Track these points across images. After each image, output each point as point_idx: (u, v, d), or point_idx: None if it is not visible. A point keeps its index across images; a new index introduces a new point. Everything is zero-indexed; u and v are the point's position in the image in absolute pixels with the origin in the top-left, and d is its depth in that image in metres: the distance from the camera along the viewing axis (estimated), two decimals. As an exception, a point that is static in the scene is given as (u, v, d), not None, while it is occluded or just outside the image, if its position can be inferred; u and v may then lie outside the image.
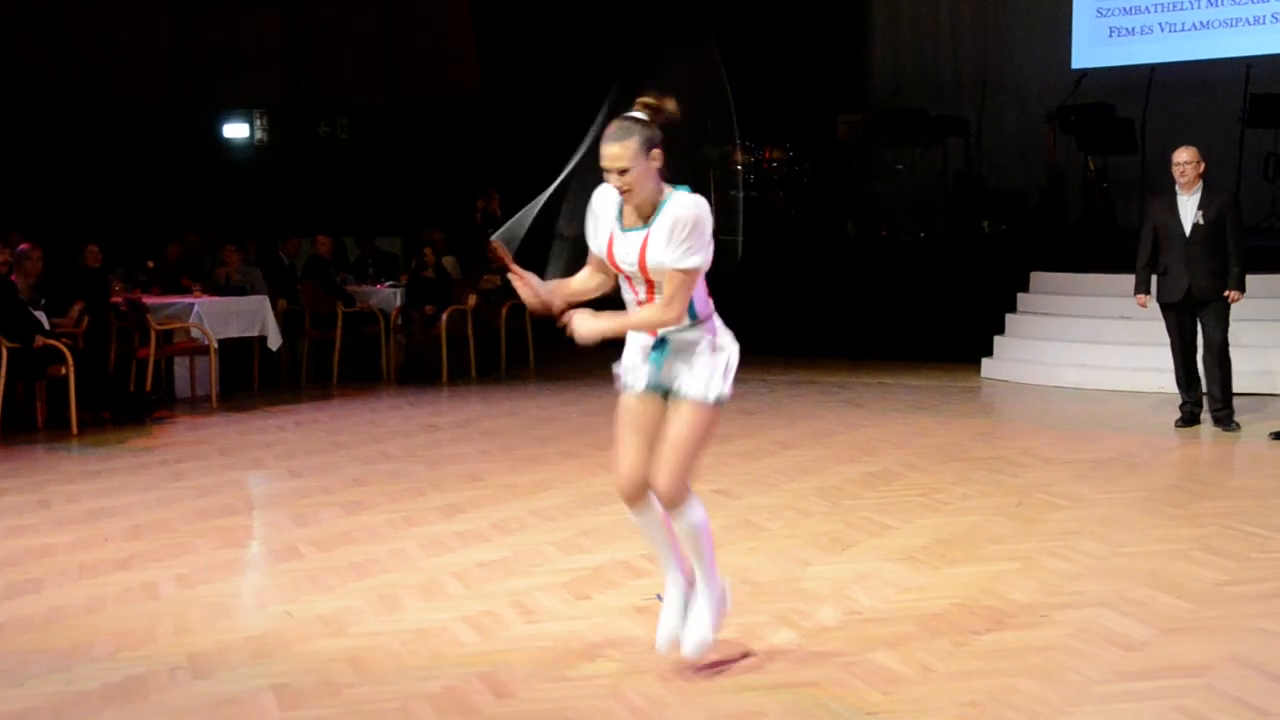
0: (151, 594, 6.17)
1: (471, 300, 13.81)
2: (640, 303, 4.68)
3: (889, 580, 6.10)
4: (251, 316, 12.88)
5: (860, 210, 15.69)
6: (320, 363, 14.00)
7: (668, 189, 4.61)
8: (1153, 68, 14.54)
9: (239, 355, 13.13)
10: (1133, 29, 15.45)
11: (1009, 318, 13.24)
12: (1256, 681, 4.68)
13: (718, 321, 4.76)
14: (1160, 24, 15.33)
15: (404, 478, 8.76)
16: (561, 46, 16.93)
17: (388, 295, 14.02)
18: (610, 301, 4.75)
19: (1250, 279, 9.66)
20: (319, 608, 5.84)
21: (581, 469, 8.86)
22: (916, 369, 13.32)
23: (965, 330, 13.24)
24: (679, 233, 4.51)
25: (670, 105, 4.61)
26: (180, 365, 12.89)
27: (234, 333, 12.73)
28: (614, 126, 4.51)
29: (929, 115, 15.39)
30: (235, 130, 18.07)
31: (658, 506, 4.79)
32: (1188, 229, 9.49)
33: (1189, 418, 9.85)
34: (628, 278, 4.68)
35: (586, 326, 4.57)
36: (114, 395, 11.46)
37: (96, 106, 16.44)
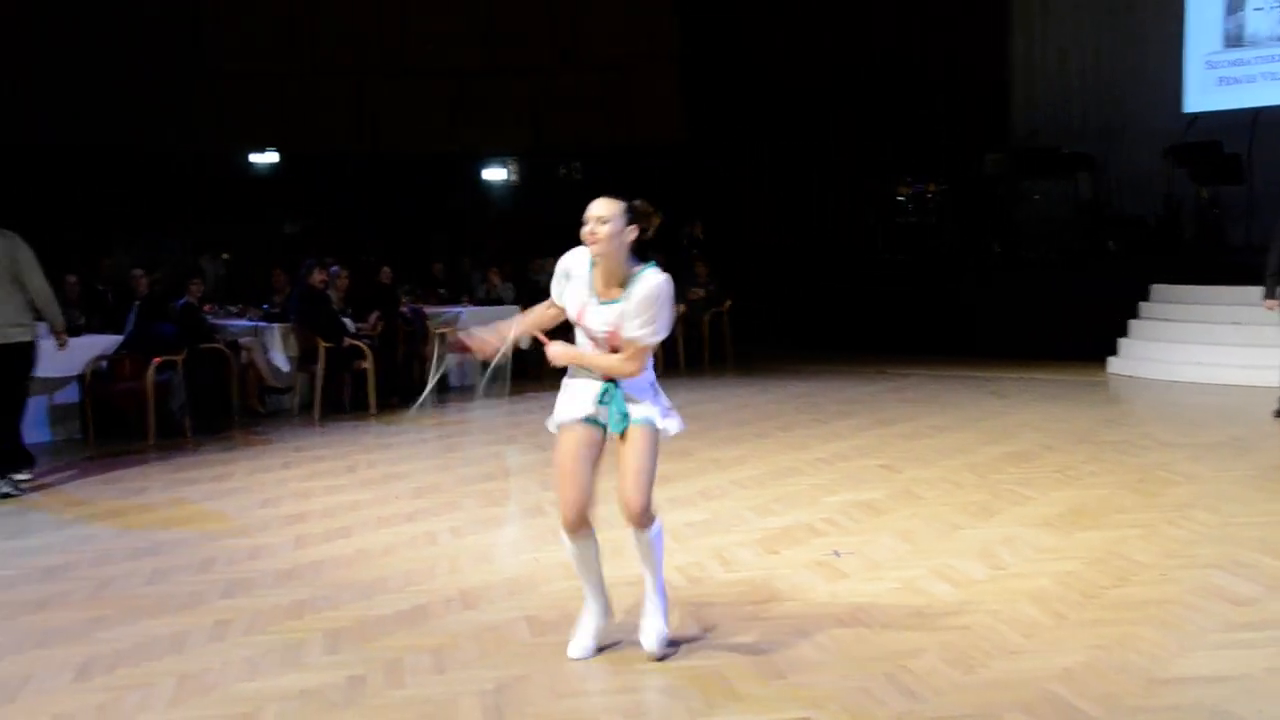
0: (431, 541, 6.35)
1: (681, 309, 13.85)
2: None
3: (1029, 542, 5.95)
4: (507, 322, 13.12)
5: (1003, 233, 15.32)
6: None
7: (639, 266, 4.32)
8: (1257, 110, 13.85)
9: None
10: (1238, 78, 14.73)
11: (1132, 323, 12.78)
12: (1353, 635, 4.44)
13: (652, 375, 4.44)
14: (1263, 74, 14.56)
15: (627, 452, 8.83)
16: (751, 103, 16.89)
17: (616, 305, 14.14)
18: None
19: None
20: (560, 555, 5.88)
21: (772, 447, 8.82)
22: (1052, 366, 12.90)
23: (1094, 334, 12.84)
24: (647, 308, 4.23)
25: (655, 218, 4.36)
26: (452, 360, 13.20)
27: (493, 334, 12.99)
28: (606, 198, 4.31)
29: (1062, 153, 14.94)
30: (494, 174, 18.45)
31: (595, 537, 4.41)
32: None
33: None
34: (591, 338, 4.38)
35: (559, 351, 4.38)
36: (402, 384, 11.80)
37: (393, 159, 16.95)
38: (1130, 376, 12.17)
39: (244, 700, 4.15)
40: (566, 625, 4.79)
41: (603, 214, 4.28)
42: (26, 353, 7.99)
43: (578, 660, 4.46)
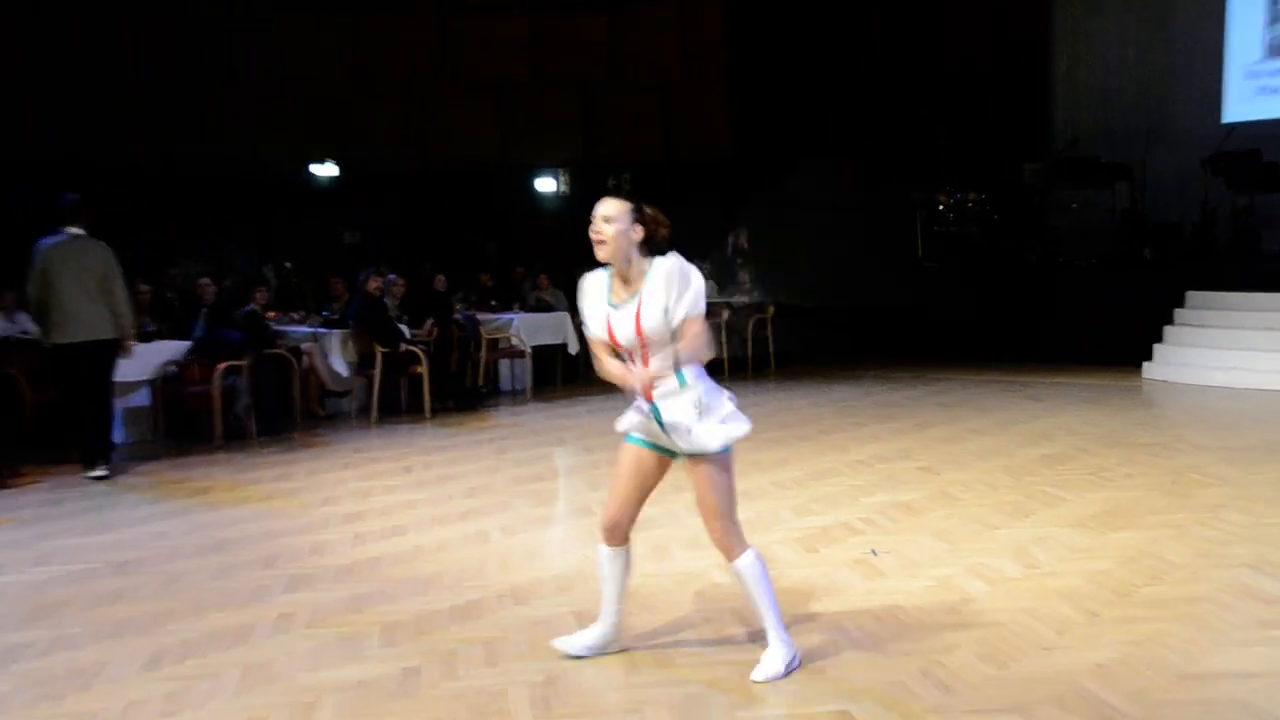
0: (483, 540, 6.42)
1: (724, 314, 13.88)
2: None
3: (1063, 542, 5.94)
4: (556, 328, 13.25)
5: (1042, 241, 15.24)
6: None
7: (650, 259, 4.16)
8: (1296, 120, 13.74)
9: (547, 358, 13.49)
10: (1278, 88, 14.56)
11: (1167, 329, 12.67)
12: (1382, 635, 4.41)
13: (706, 382, 4.18)
14: (1303, 84, 14.46)
15: (673, 454, 8.86)
16: (794, 118, 16.89)
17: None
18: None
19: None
20: (608, 553, 5.98)
21: (812, 449, 8.83)
22: (1087, 371, 12.82)
23: (1129, 339, 12.74)
24: (673, 284, 4.06)
25: (662, 225, 4.17)
26: (504, 365, 13.30)
27: (543, 340, 13.11)
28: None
29: (1100, 162, 14.83)
30: (545, 185, 18.54)
31: (629, 552, 4.35)
32: None
33: None
34: (627, 351, 4.18)
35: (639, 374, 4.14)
36: (456, 389, 11.91)
37: (447, 171, 17.09)
38: (1165, 382, 12.07)
39: (305, 690, 4.24)
40: (613, 620, 4.85)
41: (608, 213, 4.15)
42: (114, 349, 8.55)
43: (556, 648, 4.46)
